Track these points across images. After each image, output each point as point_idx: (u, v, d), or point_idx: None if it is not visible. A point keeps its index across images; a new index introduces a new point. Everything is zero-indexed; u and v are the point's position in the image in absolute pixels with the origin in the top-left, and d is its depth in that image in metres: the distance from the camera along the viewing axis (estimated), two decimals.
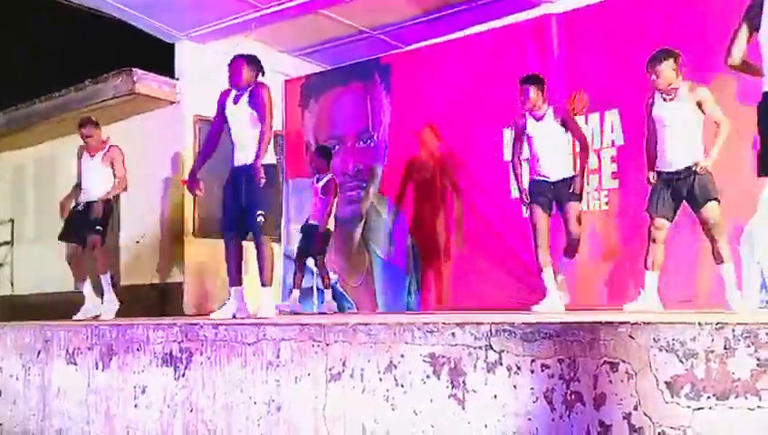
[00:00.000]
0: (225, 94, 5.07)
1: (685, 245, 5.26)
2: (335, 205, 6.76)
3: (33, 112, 8.67)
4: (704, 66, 5.01)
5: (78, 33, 9.81)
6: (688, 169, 4.59)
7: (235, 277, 4.97)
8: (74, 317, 5.85)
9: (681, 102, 4.65)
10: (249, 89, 4.96)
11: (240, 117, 4.95)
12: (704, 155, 4.57)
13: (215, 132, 5.15)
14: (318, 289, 6.98)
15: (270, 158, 4.95)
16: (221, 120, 5.07)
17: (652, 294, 4.74)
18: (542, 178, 5.31)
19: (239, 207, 4.92)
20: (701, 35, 5.43)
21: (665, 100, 4.71)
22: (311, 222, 6.80)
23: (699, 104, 4.60)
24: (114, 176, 6.06)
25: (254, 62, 5.02)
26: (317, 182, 6.81)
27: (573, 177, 5.28)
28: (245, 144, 4.90)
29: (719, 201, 4.53)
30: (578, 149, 5.46)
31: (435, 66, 7.14)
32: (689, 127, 4.64)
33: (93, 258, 6.02)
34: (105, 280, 6.04)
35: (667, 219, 4.71)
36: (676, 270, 5.20)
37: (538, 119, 5.32)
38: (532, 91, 5.24)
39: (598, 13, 6.20)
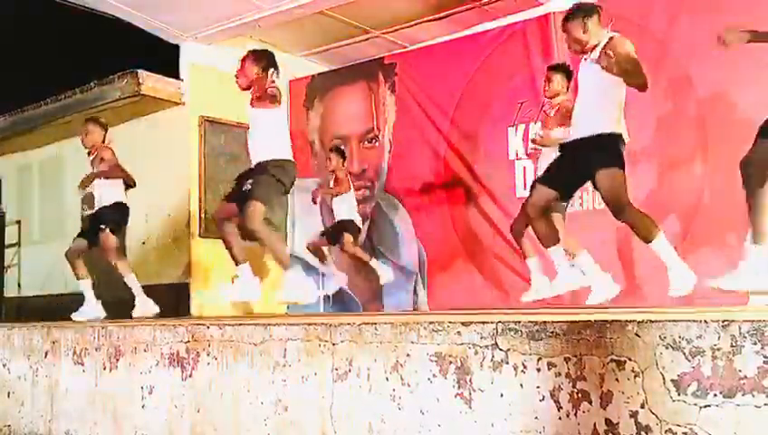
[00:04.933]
0: None
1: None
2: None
3: (39, 114, 8.69)
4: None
5: (83, 35, 9.83)
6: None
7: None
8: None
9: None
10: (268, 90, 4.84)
11: (262, 118, 4.98)
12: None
13: None
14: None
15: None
16: None
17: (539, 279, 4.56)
18: None
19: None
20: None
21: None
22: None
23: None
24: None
25: (263, 57, 4.87)
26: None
27: None
28: (267, 143, 5.04)
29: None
30: None
31: (439, 65, 7.14)
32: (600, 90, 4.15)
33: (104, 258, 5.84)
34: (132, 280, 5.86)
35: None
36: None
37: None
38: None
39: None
